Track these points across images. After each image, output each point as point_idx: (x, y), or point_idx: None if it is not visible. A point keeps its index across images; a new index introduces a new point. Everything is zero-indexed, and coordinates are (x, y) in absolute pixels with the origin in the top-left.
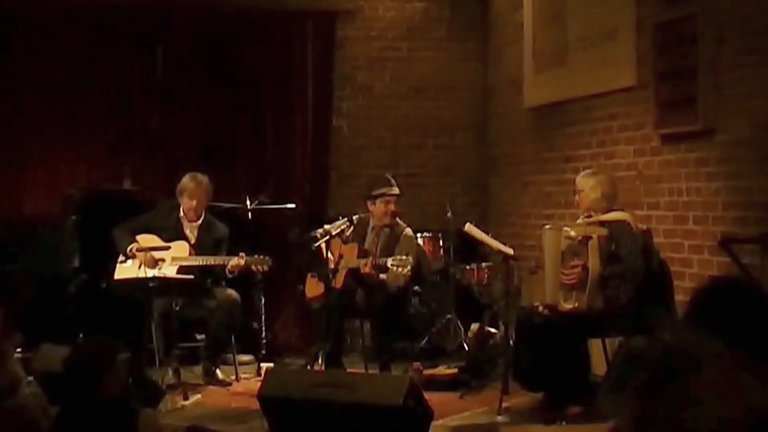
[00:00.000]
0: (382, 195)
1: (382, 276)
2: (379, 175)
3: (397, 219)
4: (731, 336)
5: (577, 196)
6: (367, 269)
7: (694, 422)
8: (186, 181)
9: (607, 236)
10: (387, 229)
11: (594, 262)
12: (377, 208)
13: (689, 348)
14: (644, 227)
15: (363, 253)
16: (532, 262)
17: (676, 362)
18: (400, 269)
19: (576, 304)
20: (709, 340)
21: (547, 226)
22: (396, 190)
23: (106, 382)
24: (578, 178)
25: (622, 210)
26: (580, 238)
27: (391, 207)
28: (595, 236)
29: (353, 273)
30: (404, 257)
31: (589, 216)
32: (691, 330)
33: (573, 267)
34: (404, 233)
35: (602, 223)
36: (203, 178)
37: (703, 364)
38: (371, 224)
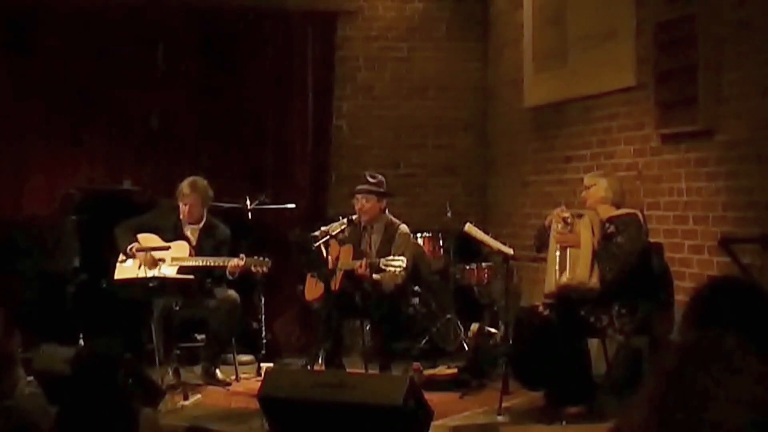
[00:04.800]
0: (355, 192)
1: (376, 276)
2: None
3: (391, 217)
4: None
5: (584, 192)
6: (361, 270)
7: (713, 425)
8: (182, 185)
9: (606, 220)
10: (379, 226)
11: (586, 234)
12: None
13: (701, 349)
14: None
15: (359, 255)
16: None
17: (692, 365)
18: (393, 269)
19: (570, 276)
20: (719, 340)
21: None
22: (365, 187)
23: (114, 383)
24: (588, 176)
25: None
26: (571, 217)
27: (359, 203)
28: (587, 216)
29: (349, 275)
30: (398, 257)
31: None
32: (697, 331)
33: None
34: (399, 231)
35: (610, 219)
36: (200, 184)
37: (713, 364)
38: (362, 224)
